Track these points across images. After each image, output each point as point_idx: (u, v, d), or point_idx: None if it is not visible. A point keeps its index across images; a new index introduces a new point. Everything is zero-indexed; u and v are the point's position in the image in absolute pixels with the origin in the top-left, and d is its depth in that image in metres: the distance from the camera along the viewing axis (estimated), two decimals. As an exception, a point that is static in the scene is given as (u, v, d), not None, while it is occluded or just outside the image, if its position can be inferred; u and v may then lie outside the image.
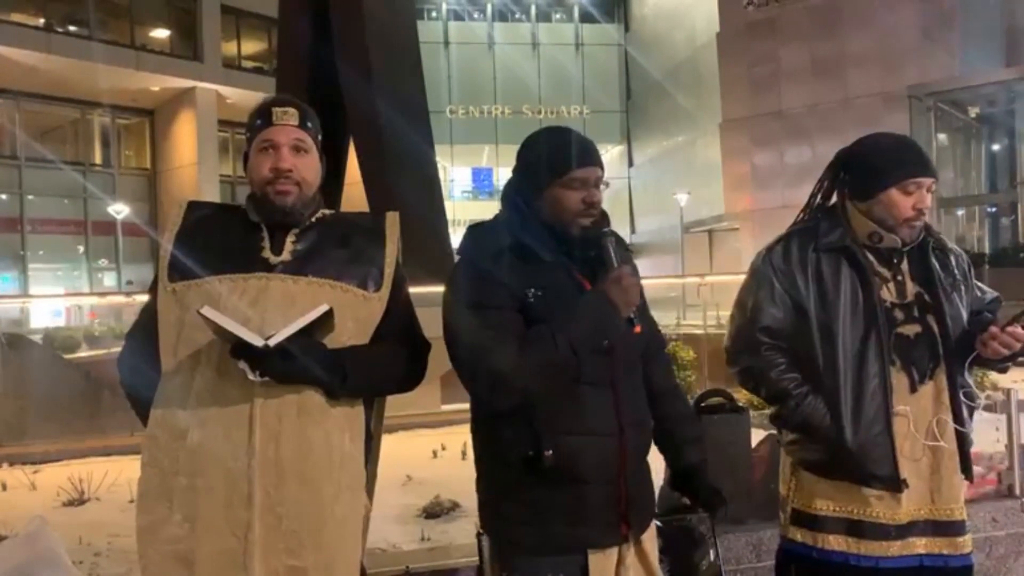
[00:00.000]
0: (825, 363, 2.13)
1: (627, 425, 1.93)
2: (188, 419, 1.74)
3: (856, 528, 2.14)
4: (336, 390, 1.78)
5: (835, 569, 2.15)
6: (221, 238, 1.86)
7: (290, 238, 1.85)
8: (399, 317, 1.92)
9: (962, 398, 2.15)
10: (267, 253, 1.83)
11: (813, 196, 2.30)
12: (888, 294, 2.16)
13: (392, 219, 1.96)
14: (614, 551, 1.94)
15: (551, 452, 1.82)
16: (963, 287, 2.23)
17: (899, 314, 2.15)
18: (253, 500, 1.69)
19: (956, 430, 2.13)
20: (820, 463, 2.19)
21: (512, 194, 2.00)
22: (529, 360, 1.80)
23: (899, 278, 2.17)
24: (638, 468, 1.98)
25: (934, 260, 2.19)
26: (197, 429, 1.73)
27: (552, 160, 1.92)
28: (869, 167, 2.17)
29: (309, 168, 1.88)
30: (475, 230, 2.01)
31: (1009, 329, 2.08)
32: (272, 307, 1.76)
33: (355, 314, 1.83)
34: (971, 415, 2.20)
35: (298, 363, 1.70)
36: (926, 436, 2.13)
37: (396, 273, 1.91)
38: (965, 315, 2.20)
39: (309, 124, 1.88)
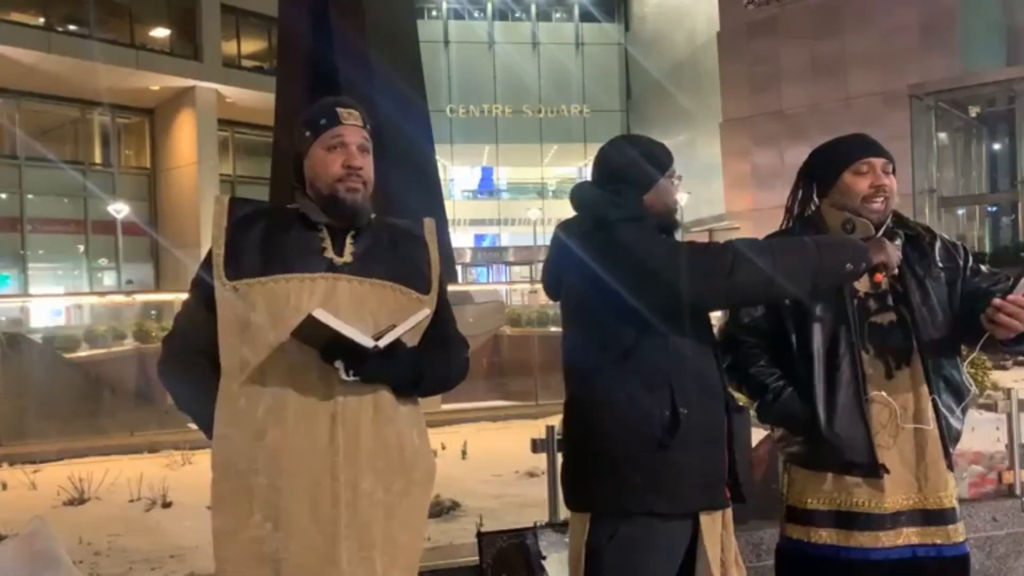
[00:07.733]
0: (800, 356, 2.19)
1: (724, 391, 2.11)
2: (265, 418, 1.74)
3: (844, 520, 2.16)
4: (408, 391, 1.85)
5: (828, 563, 2.17)
6: (279, 237, 1.84)
7: (349, 239, 1.87)
8: (444, 319, 1.97)
9: (943, 385, 2.16)
10: (330, 253, 1.84)
11: (789, 208, 2.38)
12: (861, 285, 2.20)
13: (429, 225, 2.01)
14: (719, 514, 2.06)
15: (686, 411, 1.96)
16: (944, 274, 2.23)
17: (872, 304, 2.20)
18: (340, 498, 1.72)
19: (937, 414, 2.14)
20: (804, 456, 2.22)
21: (618, 198, 2.10)
22: (785, 258, 1.96)
23: None
24: (731, 435, 2.11)
25: (904, 249, 2.21)
26: (276, 428, 1.73)
27: (656, 164, 2.13)
28: (824, 162, 2.30)
29: (371, 169, 1.91)
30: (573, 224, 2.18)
31: (1011, 298, 2.02)
32: (342, 307, 1.76)
33: (411, 316, 1.87)
34: (960, 404, 2.20)
35: (394, 364, 1.76)
36: (907, 419, 2.14)
37: (440, 277, 1.97)
38: (946, 302, 2.21)
39: (367, 126, 1.93)
